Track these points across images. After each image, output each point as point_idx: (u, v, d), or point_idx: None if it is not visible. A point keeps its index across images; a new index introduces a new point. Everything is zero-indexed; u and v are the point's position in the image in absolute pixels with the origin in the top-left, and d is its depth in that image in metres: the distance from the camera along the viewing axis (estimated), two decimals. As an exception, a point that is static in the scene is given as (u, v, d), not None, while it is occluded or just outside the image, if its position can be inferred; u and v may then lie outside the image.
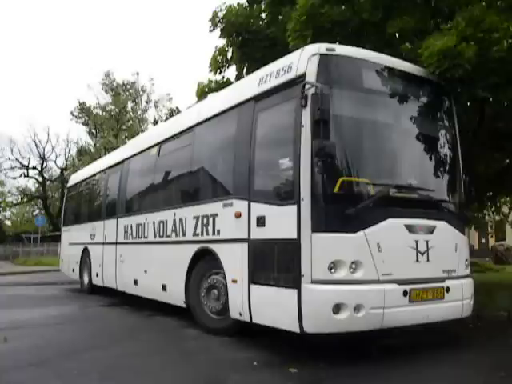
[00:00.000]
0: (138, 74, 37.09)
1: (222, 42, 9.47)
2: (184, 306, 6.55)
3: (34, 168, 43.10)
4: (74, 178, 13.88)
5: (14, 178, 43.49)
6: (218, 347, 5.28)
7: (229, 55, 9.53)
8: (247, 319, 5.21)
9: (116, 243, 9.28)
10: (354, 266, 4.41)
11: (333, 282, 4.37)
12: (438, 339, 5.59)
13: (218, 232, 5.87)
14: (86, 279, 11.18)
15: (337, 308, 4.30)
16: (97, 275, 10.34)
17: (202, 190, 6.58)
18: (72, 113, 38.71)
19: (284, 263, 4.70)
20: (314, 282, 4.37)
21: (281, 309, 4.68)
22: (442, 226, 5.05)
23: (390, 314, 4.49)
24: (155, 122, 36.45)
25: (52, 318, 7.53)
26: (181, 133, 7.27)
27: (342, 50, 4.89)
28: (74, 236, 12.44)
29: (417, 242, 4.78)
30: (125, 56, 63.27)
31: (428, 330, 5.25)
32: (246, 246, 5.23)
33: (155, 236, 7.62)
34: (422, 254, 4.80)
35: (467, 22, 5.73)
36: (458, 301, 5.07)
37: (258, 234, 5.09)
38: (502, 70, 5.81)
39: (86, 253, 11.16)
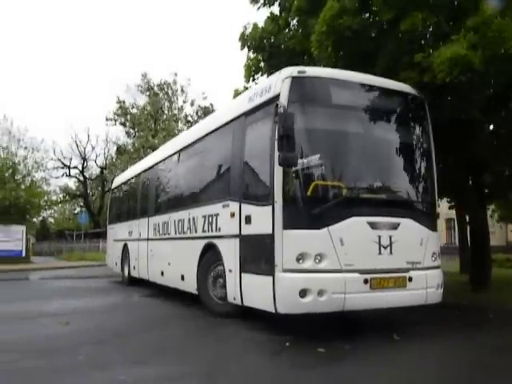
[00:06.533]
0: (176, 74, 38.08)
1: (252, 55, 10.35)
2: (196, 292, 7.51)
3: (76, 168, 44.22)
4: (117, 181, 15.30)
5: (57, 178, 44.29)
6: (249, 330, 5.95)
7: (261, 64, 10.37)
8: (239, 303, 6.10)
9: (147, 239, 10.41)
10: (318, 257, 5.18)
11: (300, 270, 5.16)
12: (455, 326, 6.30)
13: (219, 229, 6.79)
14: (126, 272, 12.43)
15: (303, 292, 5.09)
16: (134, 268, 11.54)
17: (209, 192, 7.54)
18: (107, 118, 39.31)
19: (263, 255, 5.54)
20: (284, 270, 5.19)
21: (261, 293, 5.53)
22: (406, 222, 5.68)
23: (351, 299, 5.21)
24: (187, 122, 37.17)
25: (101, 306, 8.48)
26: (194, 142, 8.28)
27: (312, 71, 5.67)
28: (117, 233, 13.76)
29: (380, 236, 5.46)
30: (161, 56, 64.60)
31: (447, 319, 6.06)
32: (238, 240, 6.12)
33: (175, 233, 8.65)
34: (385, 248, 5.47)
35: (475, 27, 6.12)
36: (422, 289, 5.68)
37: (246, 230, 5.97)
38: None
39: (125, 248, 12.40)
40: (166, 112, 38.55)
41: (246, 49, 9.89)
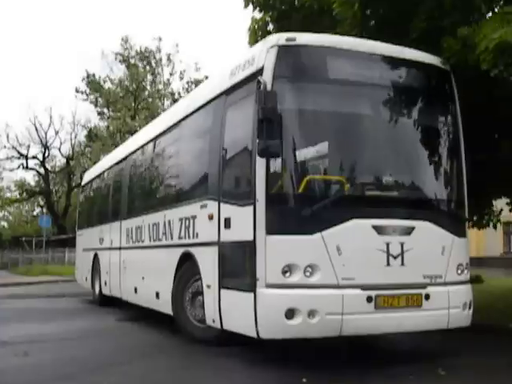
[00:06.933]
0: (160, 39, 37.53)
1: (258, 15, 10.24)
2: (172, 313, 7.44)
3: (35, 157, 42.89)
4: (88, 176, 15.36)
5: (11, 171, 43.63)
6: (245, 362, 5.88)
7: (269, 27, 10.23)
8: (219, 326, 6.02)
9: (120, 248, 10.41)
10: (309, 269, 5.09)
11: (287, 286, 5.08)
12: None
13: (197, 235, 6.74)
14: (96, 289, 12.40)
15: (290, 313, 4.99)
16: (105, 284, 11.51)
17: (186, 190, 7.54)
18: (77, 89, 38.25)
19: (243, 266, 5.48)
20: (268, 285, 5.11)
21: (242, 313, 5.45)
22: (423, 226, 5.56)
23: (351, 321, 5.11)
24: (175, 100, 36.33)
25: (69, 332, 8.38)
26: (170, 128, 8.26)
27: (305, 38, 5.58)
28: (86, 241, 13.81)
29: (388, 244, 5.34)
30: (143, 17, 64.68)
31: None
32: (216, 249, 6.05)
33: (150, 240, 8.62)
34: (395, 258, 5.36)
35: None
36: (442, 309, 5.55)
37: (225, 236, 5.90)
38: None
39: (96, 259, 12.41)
40: (149, 87, 38.16)
41: (250, 7, 9.78)
